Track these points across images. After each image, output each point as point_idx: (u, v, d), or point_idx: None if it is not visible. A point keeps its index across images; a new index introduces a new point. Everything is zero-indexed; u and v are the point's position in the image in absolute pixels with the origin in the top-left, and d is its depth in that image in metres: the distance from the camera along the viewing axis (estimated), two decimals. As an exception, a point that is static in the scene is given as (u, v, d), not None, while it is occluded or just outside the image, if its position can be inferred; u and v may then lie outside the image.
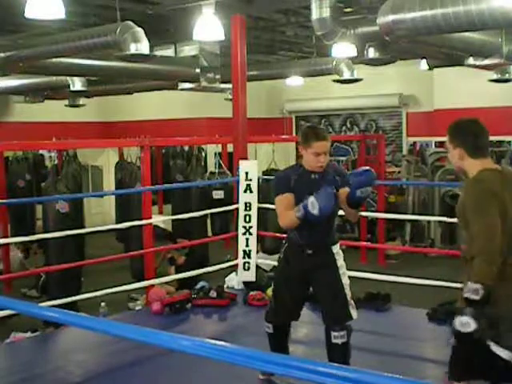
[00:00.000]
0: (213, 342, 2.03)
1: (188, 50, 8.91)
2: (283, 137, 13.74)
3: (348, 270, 4.09)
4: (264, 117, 14.17)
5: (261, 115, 13.64)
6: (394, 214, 10.48)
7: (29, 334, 6.01)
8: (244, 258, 6.56)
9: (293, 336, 4.29)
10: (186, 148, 12.64)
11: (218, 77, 9.09)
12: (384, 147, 11.73)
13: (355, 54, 7.27)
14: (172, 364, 4.37)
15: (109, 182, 13.84)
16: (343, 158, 13.73)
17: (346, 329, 3.88)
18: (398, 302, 6.34)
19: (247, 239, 6.56)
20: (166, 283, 6.88)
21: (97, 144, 11.28)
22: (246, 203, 6.55)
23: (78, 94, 10.96)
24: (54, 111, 13.16)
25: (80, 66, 8.18)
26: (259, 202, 6.63)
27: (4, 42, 7.84)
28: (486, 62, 7.53)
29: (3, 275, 8.34)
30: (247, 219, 6.55)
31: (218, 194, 10.26)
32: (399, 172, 12.69)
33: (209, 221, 11.10)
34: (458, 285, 2.81)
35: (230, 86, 8.14)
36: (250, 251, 6.56)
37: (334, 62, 9.54)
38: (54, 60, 7.76)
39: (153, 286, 6.39)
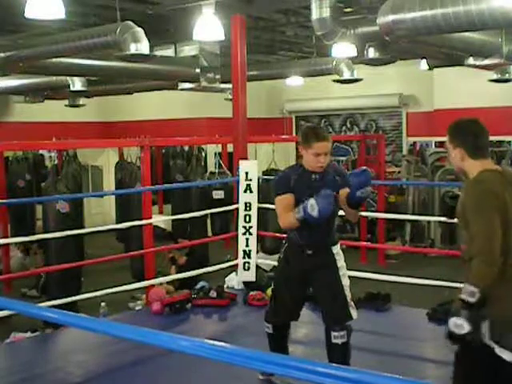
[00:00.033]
0: (212, 342, 2.03)
1: (188, 50, 8.91)
2: (283, 137, 13.75)
3: (348, 269, 4.09)
4: (264, 117, 14.17)
5: (261, 115, 13.64)
6: (394, 213, 10.49)
7: (29, 334, 6.02)
8: (244, 258, 6.56)
9: (292, 336, 4.29)
10: (186, 148, 12.64)
11: (218, 77, 9.09)
12: (384, 147, 11.73)
13: (355, 54, 7.27)
14: (172, 364, 4.37)
15: (109, 182, 13.84)
16: (343, 158, 13.73)
17: (346, 329, 3.88)
18: (397, 302, 6.34)
19: (247, 239, 6.56)
20: (166, 282, 6.88)
21: (97, 144, 11.28)
22: (245, 203, 6.55)
23: (78, 94, 10.97)
24: (53, 111, 13.16)
25: (80, 66, 8.18)
26: (259, 202, 6.63)
27: (4, 41, 7.84)
28: (486, 62, 7.53)
29: (3, 275, 8.34)
30: (247, 219, 6.54)
31: (218, 194, 10.26)
32: (399, 172, 12.69)
33: (209, 221, 11.10)
34: (458, 285, 2.80)
35: (230, 86, 8.14)
36: (250, 251, 6.56)
37: (334, 62, 9.54)
38: (54, 60, 7.76)
39: (153, 286, 6.39)
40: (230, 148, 10.44)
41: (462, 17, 5.21)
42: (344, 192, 3.78)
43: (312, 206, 3.59)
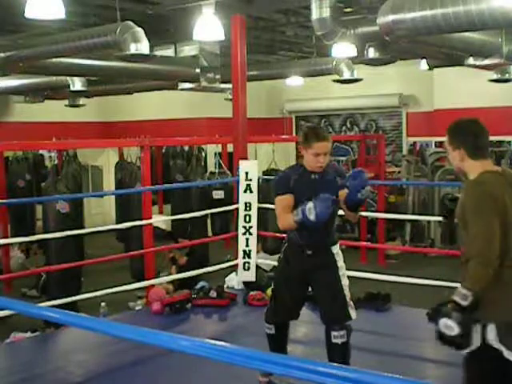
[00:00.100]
0: (212, 342, 2.03)
1: (188, 50, 8.91)
2: (283, 137, 13.75)
3: (348, 270, 4.09)
4: (264, 117, 14.17)
5: (261, 115, 13.64)
6: (394, 213, 10.50)
7: (29, 334, 6.02)
8: (244, 258, 6.56)
9: (292, 336, 4.28)
10: (186, 148, 12.64)
11: (218, 77, 9.09)
12: (384, 147, 11.73)
13: (355, 54, 7.27)
14: (172, 364, 4.37)
15: (109, 182, 13.85)
16: (343, 158, 13.74)
17: (346, 328, 3.88)
18: (397, 302, 6.34)
19: (247, 239, 6.56)
20: (166, 282, 6.88)
21: (97, 144, 11.28)
22: (245, 203, 6.55)
23: (78, 94, 10.96)
24: (54, 111, 13.16)
25: (80, 66, 8.18)
26: (259, 201, 6.63)
27: (4, 41, 7.84)
28: (486, 61, 7.53)
29: (3, 275, 8.34)
30: (247, 219, 6.54)
31: (218, 194, 10.27)
32: (399, 172, 12.70)
33: (209, 221, 11.10)
34: (458, 285, 2.80)
35: (230, 86, 8.14)
36: (250, 251, 6.56)
37: (334, 62, 9.54)
38: (54, 60, 7.76)
39: (153, 286, 6.39)
40: (230, 148, 10.44)
41: (461, 17, 5.21)
42: (344, 192, 3.78)
43: (310, 209, 3.60)
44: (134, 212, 7.72)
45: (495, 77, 9.17)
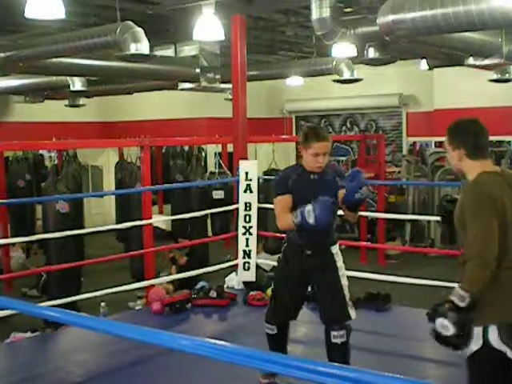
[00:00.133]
0: (212, 341, 2.03)
1: (188, 50, 8.91)
2: (283, 137, 13.75)
3: (348, 270, 4.09)
4: (264, 117, 14.17)
5: (261, 115, 13.64)
6: (394, 214, 10.49)
7: (29, 334, 6.02)
8: (244, 258, 6.56)
9: (292, 335, 4.29)
10: (186, 148, 12.64)
11: (218, 77, 9.10)
12: (384, 147, 11.73)
13: (355, 54, 7.27)
14: (172, 364, 4.37)
15: (109, 182, 13.85)
16: (343, 158, 13.74)
17: (346, 328, 3.88)
18: (397, 302, 6.34)
19: (247, 239, 6.56)
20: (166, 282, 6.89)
21: (97, 144, 11.28)
22: (245, 203, 6.55)
23: (78, 93, 10.97)
24: (54, 111, 13.16)
25: (80, 66, 8.18)
26: (259, 201, 6.64)
27: (4, 41, 7.84)
28: (486, 62, 7.53)
29: (3, 275, 8.34)
30: (247, 219, 6.55)
31: (218, 194, 10.27)
32: (399, 172, 12.70)
33: (209, 221, 11.11)
34: (457, 285, 2.80)
35: (230, 86, 8.14)
36: (250, 251, 6.56)
37: (334, 62, 9.54)
38: (54, 60, 7.76)
39: (153, 286, 6.39)
40: (230, 148, 10.44)
41: (461, 17, 5.21)
42: (343, 192, 3.79)
43: (309, 212, 3.60)
44: (134, 212, 7.72)
45: (495, 77, 9.17)
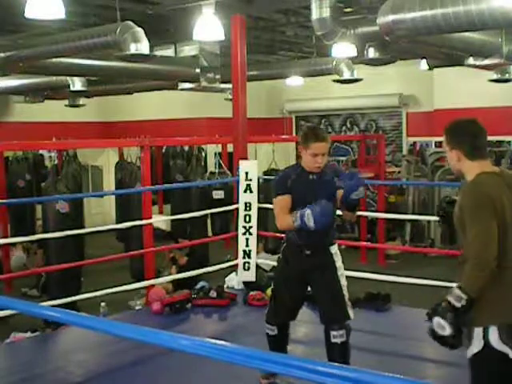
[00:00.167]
0: (212, 341, 2.03)
1: (188, 50, 8.91)
2: (283, 137, 13.75)
3: (348, 269, 4.09)
4: (264, 117, 14.17)
5: (261, 115, 13.64)
6: (394, 214, 10.49)
7: (29, 334, 6.02)
8: (244, 258, 6.56)
9: (292, 335, 4.28)
10: (186, 148, 12.65)
11: (218, 77, 9.10)
12: (384, 147, 11.74)
13: (355, 53, 7.27)
14: (172, 364, 4.37)
15: (109, 182, 13.85)
16: (343, 158, 13.74)
17: (345, 328, 3.89)
18: (397, 302, 6.34)
19: (247, 239, 6.56)
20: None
21: (97, 144, 11.29)
22: (245, 203, 6.55)
23: (78, 93, 10.97)
24: (54, 111, 13.16)
25: (80, 66, 8.18)
26: (259, 201, 6.64)
27: (4, 41, 7.84)
28: (486, 62, 7.53)
29: (4, 275, 8.34)
30: (247, 219, 6.55)
31: (218, 194, 10.27)
32: (399, 172, 12.70)
33: (209, 221, 11.11)
34: (455, 285, 2.80)
35: (230, 86, 8.14)
36: (250, 251, 6.56)
37: (334, 62, 9.54)
38: (54, 60, 7.76)
39: (153, 286, 6.39)
40: (230, 148, 10.44)
41: (461, 17, 5.21)
42: (341, 193, 3.81)
43: (308, 216, 3.62)
44: (134, 212, 7.72)
45: (495, 77, 9.17)
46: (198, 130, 12.75)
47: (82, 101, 12.44)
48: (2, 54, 7.45)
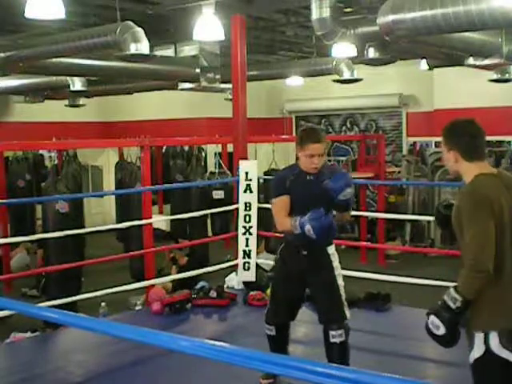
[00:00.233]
0: (212, 342, 2.03)
1: (188, 50, 8.91)
2: (283, 137, 13.74)
3: (348, 269, 4.10)
4: (264, 117, 14.17)
5: (261, 115, 13.64)
6: (394, 214, 10.49)
7: (29, 334, 6.02)
8: (244, 258, 6.56)
9: (292, 336, 4.29)
10: (186, 148, 12.64)
11: (218, 77, 9.09)
12: (384, 147, 11.74)
13: (355, 54, 7.26)
14: (172, 364, 4.37)
15: (109, 182, 13.85)
16: (343, 158, 13.73)
17: (344, 328, 3.89)
18: (398, 302, 6.34)
19: (247, 239, 6.56)
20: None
21: (97, 144, 11.28)
22: (245, 203, 6.55)
23: (78, 93, 10.97)
24: (54, 111, 13.16)
25: (80, 66, 8.18)
26: (259, 201, 6.64)
27: (4, 41, 7.84)
28: (486, 62, 7.53)
29: (4, 275, 8.34)
30: (247, 219, 6.55)
31: (218, 194, 10.26)
32: (399, 172, 12.70)
33: (209, 221, 11.11)
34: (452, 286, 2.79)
35: (230, 86, 8.14)
36: (250, 251, 6.56)
37: (334, 62, 9.54)
38: (54, 60, 7.76)
39: (153, 285, 6.39)
40: (230, 148, 10.44)
41: (461, 17, 5.20)
42: None
43: (310, 232, 3.69)
44: (134, 212, 7.72)
45: (495, 77, 9.16)
46: (197, 129, 12.75)
47: (82, 101, 12.44)
48: (2, 54, 7.45)
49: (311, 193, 3.86)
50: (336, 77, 9.82)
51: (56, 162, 10.73)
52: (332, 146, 14.26)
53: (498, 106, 11.40)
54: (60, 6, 5.48)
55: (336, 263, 4.01)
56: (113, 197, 12.54)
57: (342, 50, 7.29)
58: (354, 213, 4.66)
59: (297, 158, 4.03)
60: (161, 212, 12.60)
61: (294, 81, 10.91)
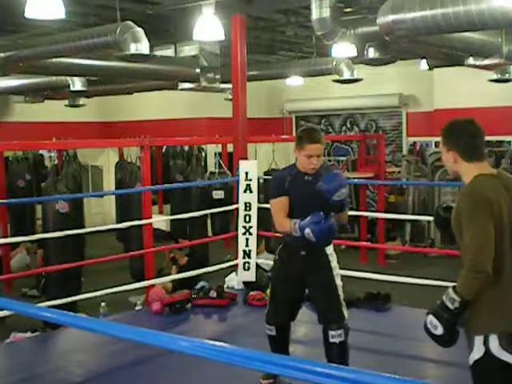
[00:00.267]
0: (211, 342, 2.03)
1: (188, 50, 8.91)
2: (283, 137, 13.73)
3: (348, 269, 4.10)
4: (264, 117, 14.17)
5: (261, 115, 13.64)
6: (394, 214, 10.49)
7: (29, 334, 6.02)
8: (244, 258, 6.56)
9: (292, 336, 4.29)
10: (186, 148, 12.64)
11: (218, 77, 9.09)
12: (384, 147, 11.73)
13: (355, 54, 7.26)
14: (172, 364, 4.37)
15: (109, 182, 13.85)
16: (343, 158, 13.73)
17: (343, 328, 3.90)
18: (398, 302, 6.34)
19: (247, 239, 6.56)
20: (165, 282, 6.89)
21: (97, 144, 11.29)
22: (245, 203, 6.55)
23: (78, 93, 10.96)
24: (54, 111, 13.16)
25: (80, 66, 8.18)
26: (260, 201, 6.64)
27: (4, 41, 7.84)
28: (486, 62, 7.53)
29: (4, 275, 8.34)
30: (247, 219, 6.55)
31: (218, 194, 10.26)
32: (399, 172, 12.70)
33: (209, 221, 11.10)
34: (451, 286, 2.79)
35: (230, 86, 8.14)
36: (250, 251, 6.56)
37: (334, 62, 9.54)
38: (54, 60, 7.76)
39: (153, 285, 6.39)
40: (230, 148, 10.43)
41: (461, 17, 5.20)
42: None
43: (309, 236, 3.69)
44: (134, 212, 7.72)
45: (495, 77, 9.16)
46: (198, 129, 12.75)
47: (82, 101, 12.44)
48: (2, 54, 7.45)
49: (310, 193, 3.87)
50: (336, 77, 9.82)
51: (56, 161, 10.73)
52: (332, 145, 14.27)
53: (497, 106, 11.40)
54: (60, 6, 5.48)
55: (334, 263, 4.02)
56: (113, 197, 12.54)
57: (342, 49, 7.29)
58: (354, 213, 4.67)
59: (297, 158, 4.03)
60: (161, 212, 12.60)
61: (294, 81, 10.91)
